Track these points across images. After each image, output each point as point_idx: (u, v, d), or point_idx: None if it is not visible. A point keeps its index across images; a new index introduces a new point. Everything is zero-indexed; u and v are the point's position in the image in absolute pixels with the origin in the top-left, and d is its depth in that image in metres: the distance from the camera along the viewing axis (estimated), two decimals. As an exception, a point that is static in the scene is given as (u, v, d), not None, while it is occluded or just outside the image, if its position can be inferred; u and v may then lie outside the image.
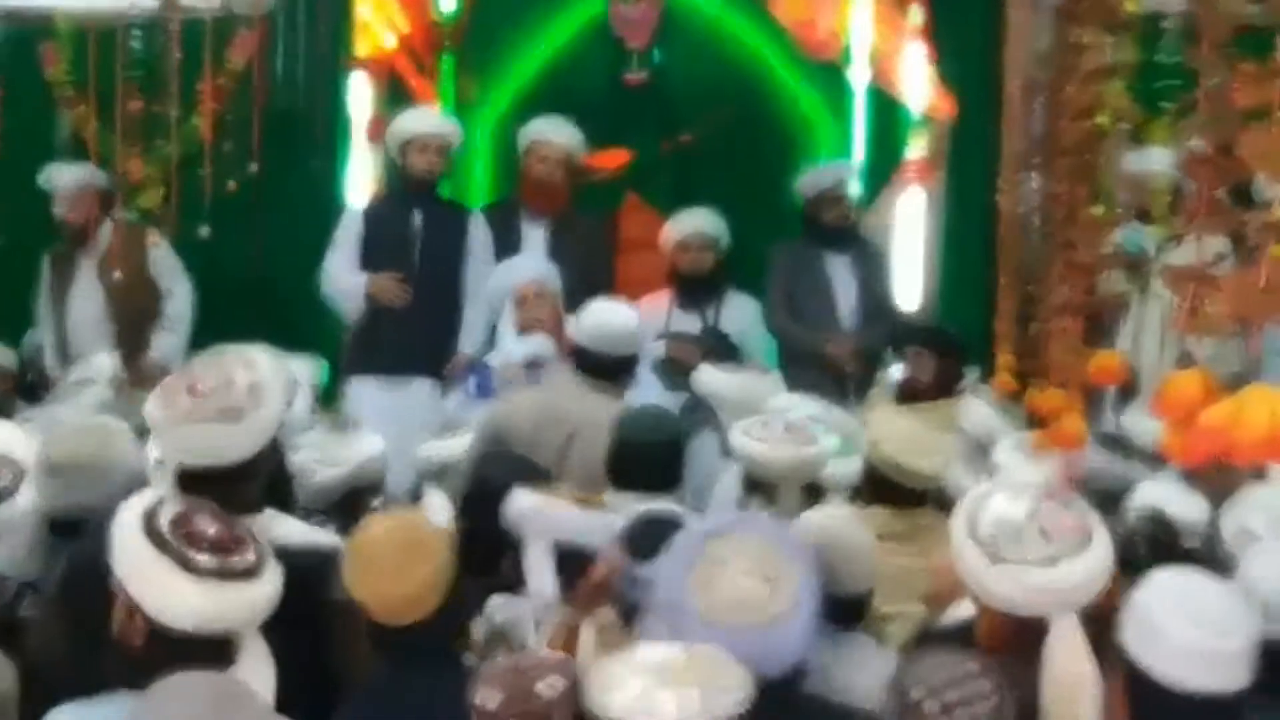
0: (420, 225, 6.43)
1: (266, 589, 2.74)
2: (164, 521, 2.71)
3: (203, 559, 2.68)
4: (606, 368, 5.05)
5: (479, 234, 6.52)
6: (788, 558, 2.85)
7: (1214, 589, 2.59)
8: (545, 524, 3.67)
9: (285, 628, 2.92)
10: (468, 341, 6.41)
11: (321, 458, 4.49)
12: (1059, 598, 2.87)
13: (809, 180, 6.80)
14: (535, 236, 6.66)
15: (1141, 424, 4.43)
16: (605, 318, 5.16)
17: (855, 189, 6.90)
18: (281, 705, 2.69)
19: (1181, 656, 2.50)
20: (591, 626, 3.39)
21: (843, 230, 6.73)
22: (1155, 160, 4.82)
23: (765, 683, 2.73)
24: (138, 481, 3.75)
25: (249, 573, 2.71)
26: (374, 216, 6.53)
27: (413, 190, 6.47)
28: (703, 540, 2.87)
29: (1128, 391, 5.01)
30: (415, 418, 6.06)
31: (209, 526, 2.74)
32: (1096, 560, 2.93)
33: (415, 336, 6.36)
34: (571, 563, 3.61)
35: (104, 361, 6.26)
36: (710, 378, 5.57)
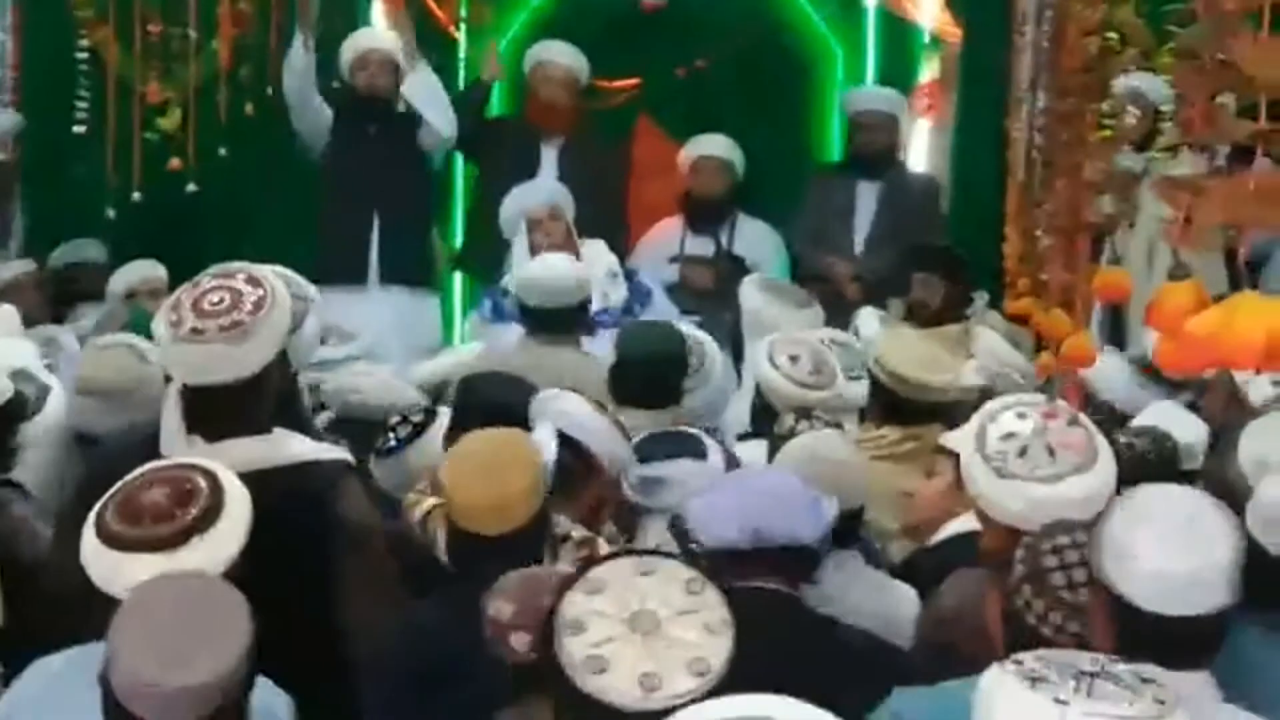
0: (373, 139, 6.56)
1: (204, 550, 2.68)
2: (108, 508, 2.72)
3: (128, 531, 2.67)
4: (554, 322, 5.03)
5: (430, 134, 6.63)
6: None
7: (1185, 507, 2.50)
8: (558, 413, 3.67)
9: (295, 543, 2.98)
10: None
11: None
12: (1061, 514, 2.86)
13: (847, 103, 6.87)
14: (548, 157, 6.72)
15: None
16: (541, 272, 5.15)
17: (896, 115, 6.85)
18: (285, 622, 2.59)
19: (1154, 581, 2.40)
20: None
21: (875, 156, 6.74)
22: (1140, 81, 4.86)
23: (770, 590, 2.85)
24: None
25: (177, 537, 2.67)
26: (336, 130, 6.68)
27: (363, 107, 6.63)
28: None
29: (1116, 312, 5.08)
30: (399, 326, 6.26)
31: (154, 496, 2.72)
32: (1099, 479, 2.99)
33: (384, 245, 6.54)
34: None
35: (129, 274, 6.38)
36: (756, 295, 5.58)
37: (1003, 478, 3.01)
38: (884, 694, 2.58)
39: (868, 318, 5.64)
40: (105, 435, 3.85)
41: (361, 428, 4.29)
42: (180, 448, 3.13)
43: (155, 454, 3.07)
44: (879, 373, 4.43)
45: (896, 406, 4.39)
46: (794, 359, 4.52)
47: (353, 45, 6.70)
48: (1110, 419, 4.10)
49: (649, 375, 4.48)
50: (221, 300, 3.09)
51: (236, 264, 3.26)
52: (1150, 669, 2.09)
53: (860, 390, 4.68)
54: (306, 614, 3.08)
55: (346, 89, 6.76)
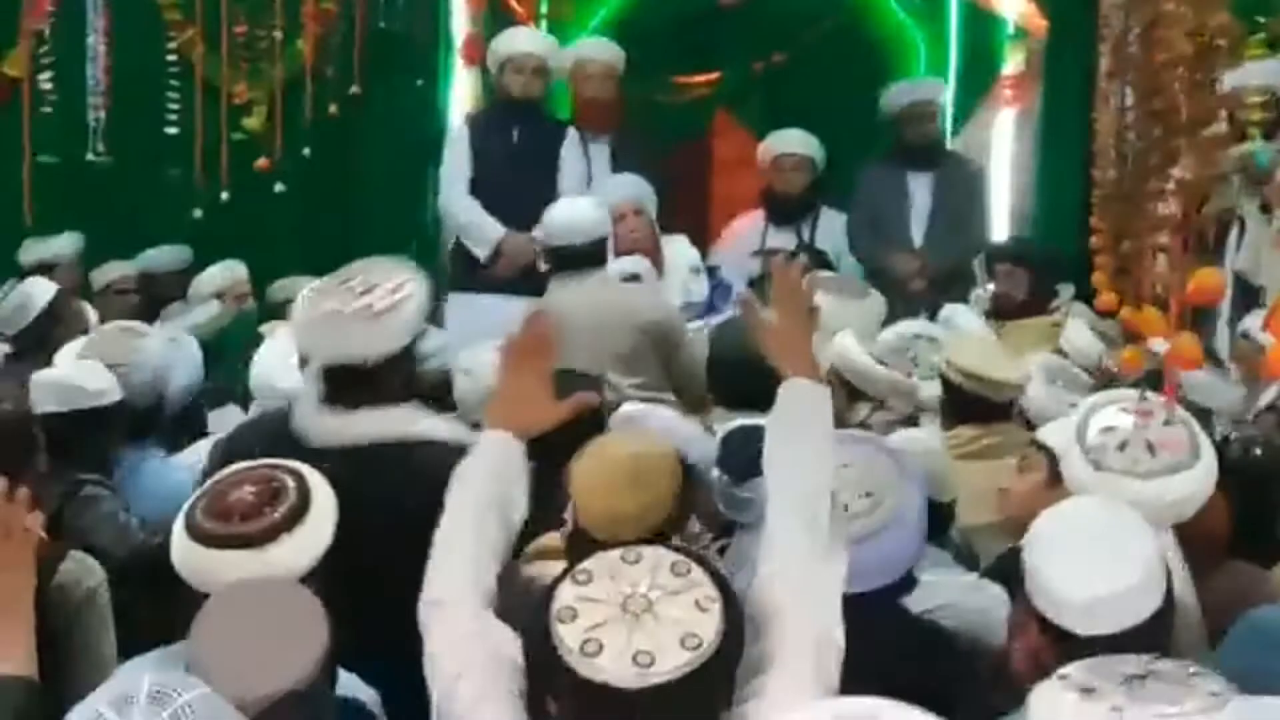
0: (519, 144, 6.51)
1: (291, 547, 2.74)
2: (199, 507, 2.78)
3: (218, 528, 2.73)
4: (580, 257, 5.18)
5: (571, 150, 6.60)
6: (892, 473, 2.88)
7: (1098, 524, 2.54)
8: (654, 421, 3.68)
9: (407, 519, 2.94)
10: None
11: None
12: (1155, 512, 2.84)
13: (894, 96, 6.81)
14: (598, 155, 6.71)
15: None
16: (567, 212, 5.32)
17: (943, 105, 6.89)
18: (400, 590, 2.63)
19: (1070, 608, 2.44)
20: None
21: (923, 148, 6.72)
22: (1253, 75, 4.82)
23: (870, 595, 2.78)
24: (161, 379, 4.21)
25: (266, 534, 2.72)
26: (475, 135, 6.60)
27: (510, 110, 6.57)
28: None
29: (1247, 308, 5.00)
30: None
31: (243, 494, 2.78)
32: (1196, 479, 2.96)
33: None
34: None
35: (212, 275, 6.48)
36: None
37: (1100, 470, 2.97)
38: (984, 694, 2.58)
39: (959, 312, 5.60)
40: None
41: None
42: (315, 418, 3.30)
43: (281, 440, 3.25)
44: (949, 372, 4.42)
45: (969, 405, 4.37)
46: (891, 351, 4.64)
47: (506, 46, 6.58)
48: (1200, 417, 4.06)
49: (747, 375, 4.48)
50: (362, 287, 3.27)
51: (378, 259, 3.46)
52: (1197, 666, 2.07)
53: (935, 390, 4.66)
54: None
55: (496, 90, 6.70)
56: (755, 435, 3.88)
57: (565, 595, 2.16)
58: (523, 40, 6.66)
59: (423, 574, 2.78)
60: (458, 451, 3.19)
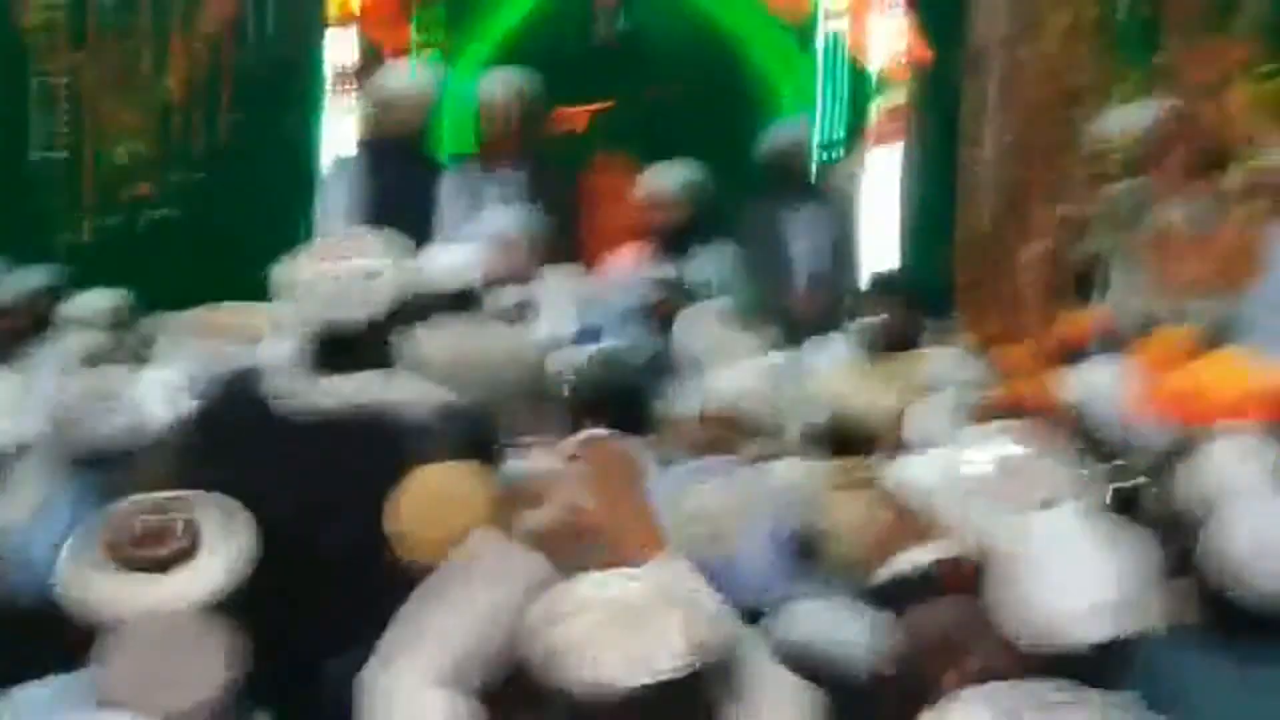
0: (395, 180, 6.50)
1: (186, 579, 2.80)
2: (99, 537, 2.81)
3: (120, 556, 2.78)
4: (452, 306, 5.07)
5: (449, 186, 6.60)
6: (737, 503, 2.94)
7: (1074, 536, 2.57)
8: None
9: (389, 478, 3.12)
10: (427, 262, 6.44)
11: None
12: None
13: (768, 139, 6.89)
14: (506, 186, 6.72)
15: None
16: (439, 259, 5.29)
17: (813, 144, 6.99)
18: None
19: (1044, 618, 2.46)
20: None
21: (798, 185, 6.84)
22: (1117, 120, 4.93)
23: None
24: (147, 422, 4.04)
25: (168, 561, 2.78)
26: (354, 171, 6.59)
27: (387, 147, 6.55)
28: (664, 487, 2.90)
29: (1111, 347, 5.07)
30: None
31: (138, 523, 2.82)
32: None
33: None
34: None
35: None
36: (691, 329, 5.64)
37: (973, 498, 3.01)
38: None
39: (822, 345, 5.66)
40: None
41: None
42: (304, 384, 3.40)
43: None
44: (826, 406, 4.48)
45: (842, 436, 4.43)
46: (766, 386, 4.58)
47: (383, 83, 6.59)
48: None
49: (610, 405, 4.51)
50: (347, 253, 3.43)
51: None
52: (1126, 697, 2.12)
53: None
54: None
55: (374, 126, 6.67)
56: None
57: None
58: (400, 76, 6.64)
59: None
60: (438, 410, 3.43)
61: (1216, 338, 3.31)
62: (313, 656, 3.15)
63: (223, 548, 2.84)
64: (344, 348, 3.40)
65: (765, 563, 2.91)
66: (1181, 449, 3.43)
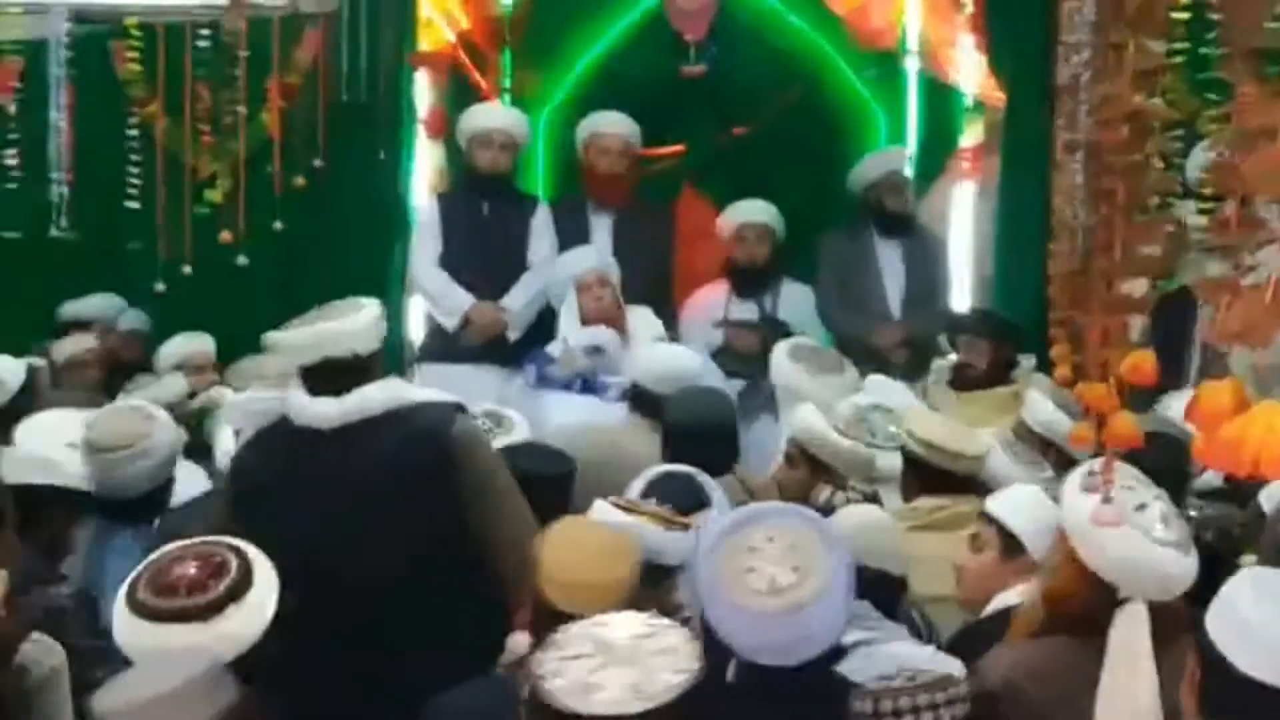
0: (488, 217, 6.55)
1: (236, 621, 2.84)
2: (140, 582, 2.85)
3: (162, 603, 2.80)
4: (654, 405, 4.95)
5: (542, 222, 6.65)
6: (819, 545, 2.86)
7: None
8: None
9: (424, 462, 3.51)
10: (510, 299, 6.49)
11: None
12: (1160, 581, 2.92)
13: (865, 167, 6.86)
14: (601, 227, 6.77)
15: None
16: (669, 360, 5.20)
17: (908, 175, 6.96)
18: (421, 544, 3.27)
19: (1265, 651, 2.39)
20: None
21: (898, 218, 6.77)
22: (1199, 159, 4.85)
23: (798, 667, 2.80)
24: (172, 462, 4.22)
25: (213, 607, 2.81)
26: (446, 209, 6.66)
27: (479, 184, 6.60)
28: (733, 529, 2.88)
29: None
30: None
31: (186, 571, 2.85)
32: (1195, 563, 2.97)
33: None
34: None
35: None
36: (787, 364, 5.60)
37: (1123, 524, 2.93)
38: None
39: (884, 385, 5.59)
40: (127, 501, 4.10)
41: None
42: (312, 408, 3.60)
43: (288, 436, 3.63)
44: (909, 443, 4.44)
45: (929, 476, 4.38)
46: (853, 423, 4.63)
47: (475, 121, 6.67)
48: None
49: (704, 443, 4.52)
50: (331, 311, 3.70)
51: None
52: None
53: (895, 461, 4.67)
54: (439, 529, 3.54)
55: (464, 164, 6.77)
56: (681, 476, 3.97)
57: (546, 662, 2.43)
58: (491, 116, 6.71)
59: (449, 513, 3.38)
60: (452, 408, 3.72)
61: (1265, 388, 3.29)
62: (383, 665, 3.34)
63: (268, 580, 2.89)
64: (342, 373, 3.60)
65: (843, 603, 2.86)
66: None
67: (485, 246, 6.49)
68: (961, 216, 7.07)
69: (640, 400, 5.06)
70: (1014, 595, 3.50)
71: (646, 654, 2.44)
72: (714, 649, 3.11)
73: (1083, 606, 2.99)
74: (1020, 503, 3.68)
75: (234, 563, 2.86)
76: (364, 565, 3.50)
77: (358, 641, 3.46)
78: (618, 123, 6.84)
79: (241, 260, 6.98)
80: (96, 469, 4.13)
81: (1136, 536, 2.93)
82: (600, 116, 6.89)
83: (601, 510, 3.51)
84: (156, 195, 7.07)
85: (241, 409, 4.04)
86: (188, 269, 6.99)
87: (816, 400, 4.99)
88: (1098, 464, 3.05)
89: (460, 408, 3.80)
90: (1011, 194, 6.81)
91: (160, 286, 7.01)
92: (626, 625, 2.52)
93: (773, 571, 2.78)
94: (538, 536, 3.23)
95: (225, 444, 4.40)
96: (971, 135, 7.07)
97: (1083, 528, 2.99)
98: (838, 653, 2.91)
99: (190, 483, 4.62)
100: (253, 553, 2.92)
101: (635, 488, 3.89)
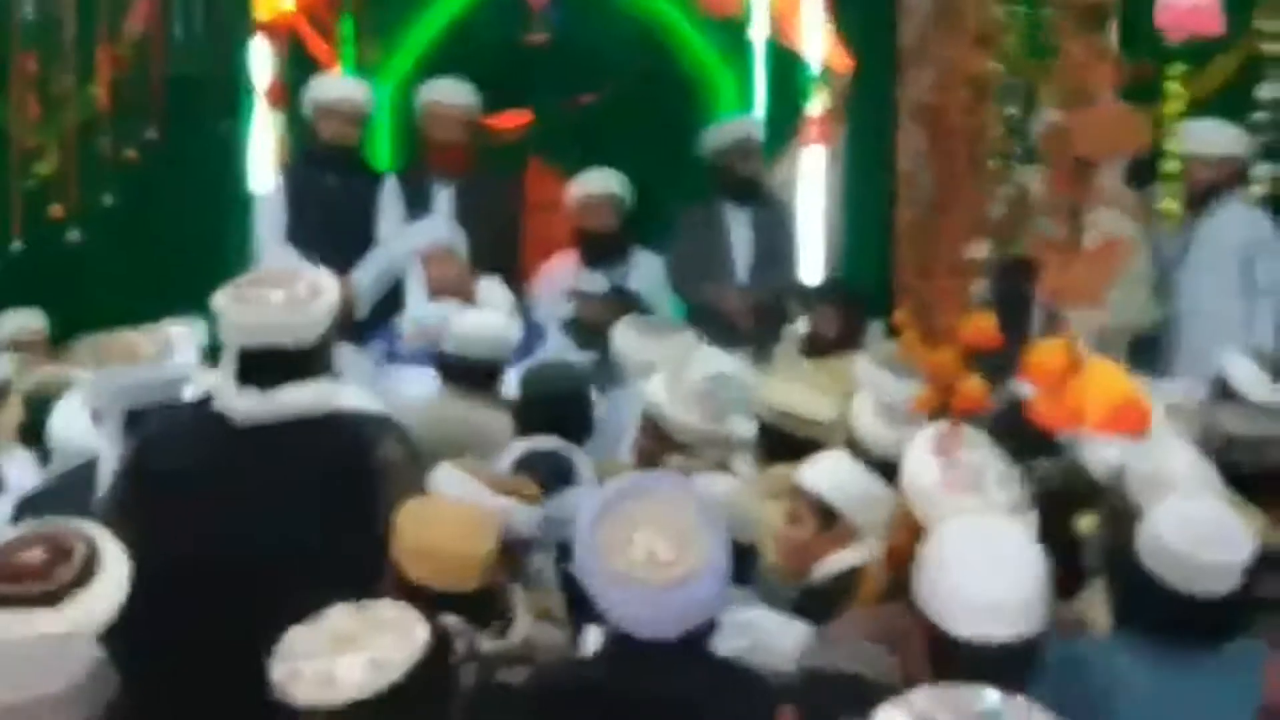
0: (335, 191, 6.43)
1: (80, 608, 2.77)
2: None
3: (7, 589, 2.74)
4: (479, 375, 4.90)
5: (390, 195, 6.54)
6: (699, 519, 2.86)
7: (1002, 542, 2.68)
8: None
9: (334, 486, 3.34)
10: (357, 275, 6.36)
11: None
12: None
13: (714, 135, 6.85)
14: (442, 198, 6.68)
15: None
16: (478, 326, 5.07)
17: (758, 143, 6.95)
18: (333, 560, 3.13)
19: (968, 609, 2.57)
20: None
21: (749, 185, 6.78)
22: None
23: (674, 641, 2.80)
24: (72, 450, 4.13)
25: (57, 594, 2.74)
26: (291, 183, 6.54)
27: (326, 157, 6.48)
28: (614, 499, 2.87)
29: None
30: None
31: (32, 556, 2.79)
32: (1032, 520, 3.03)
33: None
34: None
35: None
36: (628, 338, 5.56)
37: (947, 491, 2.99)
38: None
39: (714, 357, 5.57)
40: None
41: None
42: (234, 399, 3.40)
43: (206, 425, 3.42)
44: (761, 410, 4.43)
45: (783, 443, 4.38)
46: (699, 397, 4.48)
47: (320, 92, 6.52)
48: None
49: (556, 413, 4.49)
50: (281, 283, 3.45)
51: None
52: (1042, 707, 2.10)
53: (747, 427, 4.65)
54: (342, 546, 3.34)
55: (309, 136, 6.62)
56: (549, 454, 3.95)
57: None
58: (337, 87, 6.59)
59: (362, 534, 3.20)
60: (380, 421, 3.59)
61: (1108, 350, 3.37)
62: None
63: (117, 568, 2.82)
64: (279, 364, 3.40)
65: (722, 576, 2.87)
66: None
67: (333, 221, 6.37)
68: (809, 184, 7.07)
69: (451, 370, 4.95)
70: (848, 557, 3.53)
71: (370, 632, 2.52)
72: (583, 618, 3.14)
73: None
74: (832, 472, 3.75)
75: (80, 548, 2.81)
76: (264, 570, 3.33)
77: (239, 637, 3.32)
78: (455, 91, 6.74)
79: (73, 236, 6.76)
80: None
81: (975, 500, 2.96)
82: (437, 85, 6.79)
83: (450, 478, 3.48)
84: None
85: (109, 389, 3.83)
86: (17, 244, 6.75)
87: (658, 363, 4.94)
88: (944, 428, 3.06)
89: (389, 424, 3.63)
90: (857, 160, 6.87)
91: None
92: (342, 614, 2.60)
93: (652, 544, 2.78)
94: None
95: (71, 426, 4.21)
96: (819, 102, 7.07)
97: (926, 492, 3.00)
98: (712, 626, 2.91)
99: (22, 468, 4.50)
100: (102, 539, 2.87)
101: (504, 463, 3.92)
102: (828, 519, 3.64)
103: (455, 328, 5.05)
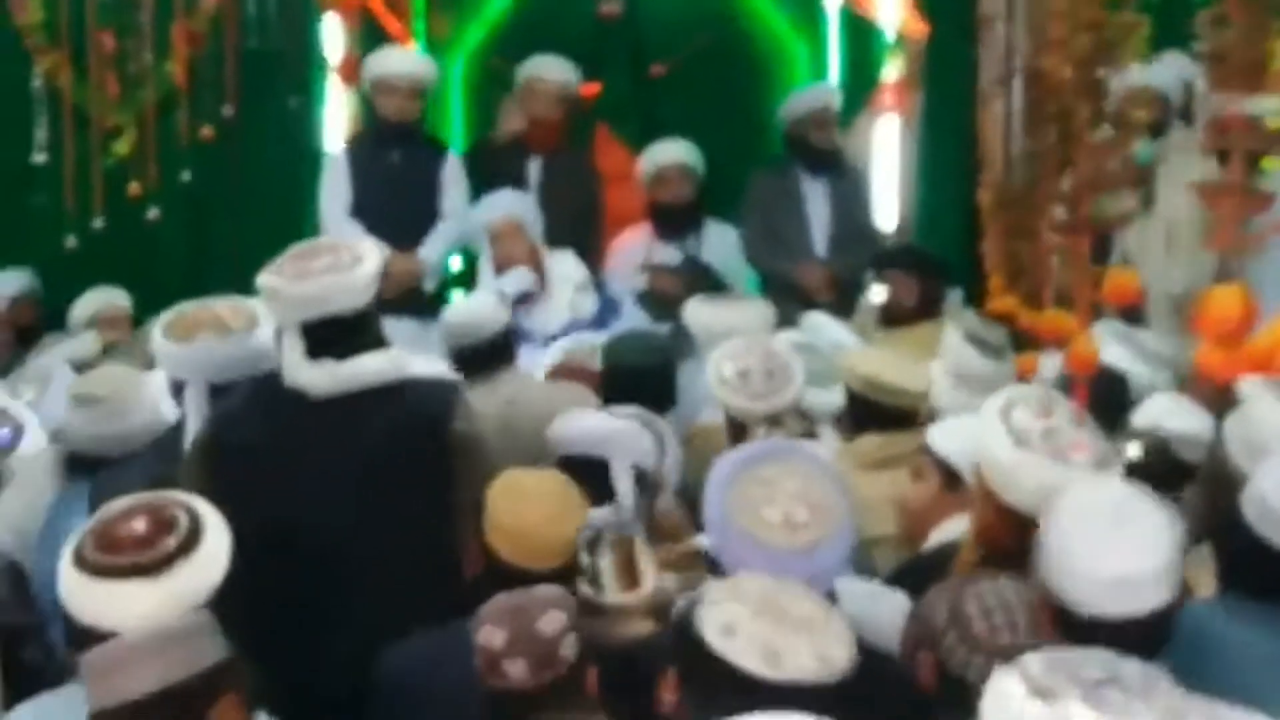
0: (398, 166, 6.44)
1: (186, 576, 2.74)
2: (87, 539, 2.75)
3: (110, 560, 2.71)
4: (483, 356, 4.77)
5: (452, 171, 6.55)
6: (832, 486, 2.85)
7: (1120, 508, 2.57)
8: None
9: (413, 454, 3.36)
10: (426, 249, 6.41)
11: None
12: None
13: (792, 103, 6.80)
14: (533, 171, 6.70)
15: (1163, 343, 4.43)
16: (461, 315, 4.93)
17: (834, 111, 6.90)
18: (406, 529, 3.19)
19: (1094, 585, 2.48)
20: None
21: (825, 154, 6.72)
22: (1137, 76, 4.83)
23: None
24: (159, 423, 4.02)
25: (161, 563, 2.71)
26: (355, 158, 6.55)
27: (388, 132, 6.48)
28: (748, 463, 2.86)
29: (1132, 312, 4.98)
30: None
31: (135, 527, 2.76)
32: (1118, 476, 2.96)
33: None
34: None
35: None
36: (700, 312, 5.54)
37: (1023, 450, 2.94)
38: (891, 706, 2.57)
39: (823, 323, 5.54)
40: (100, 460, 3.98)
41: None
42: (310, 373, 3.41)
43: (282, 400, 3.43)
44: (851, 381, 4.39)
45: (872, 413, 4.34)
46: (744, 374, 4.37)
47: (379, 68, 6.51)
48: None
49: (641, 384, 4.48)
50: (324, 253, 3.45)
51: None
52: (1162, 673, 2.04)
53: (830, 397, 4.62)
54: (421, 515, 3.40)
55: (370, 112, 6.64)
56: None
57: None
58: (395, 62, 6.58)
59: (433, 503, 3.24)
60: (452, 387, 3.62)
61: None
62: (354, 637, 3.24)
63: (219, 536, 2.79)
64: (340, 335, 3.41)
65: (848, 544, 2.88)
66: (1228, 406, 3.39)
67: (396, 196, 6.39)
68: (884, 153, 7.02)
69: (461, 362, 4.81)
70: (955, 528, 3.49)
71: (820, 622, 2.38)
72: None
73: (1010, 541, 2.95)
74: (959, 434, 3.64)
75: (184, 518, 2.77)
76: (344, 541, 3.37)
77: (322, 608, 3.37)
78: (556, 68, 6.75)
79: (152, 213, 6.80)
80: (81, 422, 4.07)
81: (1048, 464, 2.91)
82: (539, 62, 6.79)
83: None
84: (63, 148, 6.86)
85: (193, 360, 3.81)
86: (99, 223, 6.79)
87: (734, 332, 4.91)
88: (1017, 394, 3.02)
89: (460, 389, 3.66)
90: (935, 128, 6.80)
91: (71, 242, 6.82)
92: (792, 592, 2.47)
93: (788, 507, 2.77)
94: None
95: (157, 396, 4.23)
96: (893, 70, 7.01)
97: (997, 463, 2.97)
98: (831, 597, 2.86)
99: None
100: (204, 508, 2.82)
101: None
102: (951, 481, 3.57)
103: (444, 322, 4.97)
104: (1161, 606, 2.53)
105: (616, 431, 3.55)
